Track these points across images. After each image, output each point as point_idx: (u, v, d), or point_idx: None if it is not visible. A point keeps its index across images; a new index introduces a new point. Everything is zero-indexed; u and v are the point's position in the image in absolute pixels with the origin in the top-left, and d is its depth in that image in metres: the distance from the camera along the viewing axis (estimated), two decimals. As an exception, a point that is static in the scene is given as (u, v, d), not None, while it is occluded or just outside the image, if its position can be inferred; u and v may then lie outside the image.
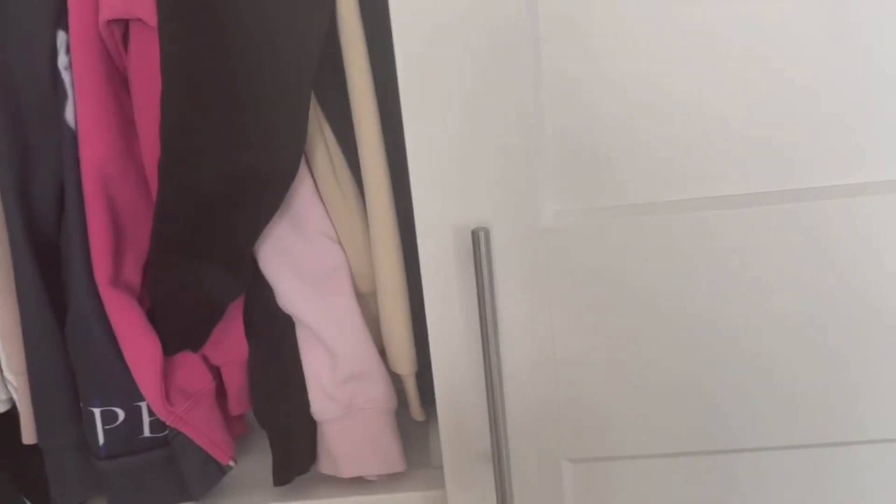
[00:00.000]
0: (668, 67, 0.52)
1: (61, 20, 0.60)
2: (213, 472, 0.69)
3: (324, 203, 0.66)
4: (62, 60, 0.61)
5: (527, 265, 0.56)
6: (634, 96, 0.53)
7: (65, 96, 0.61)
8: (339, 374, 0.67)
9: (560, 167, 0.55)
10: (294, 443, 0.69)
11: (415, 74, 0.53)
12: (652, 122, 0.53)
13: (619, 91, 0.53)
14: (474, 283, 0.56)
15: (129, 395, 0.65)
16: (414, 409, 0.71)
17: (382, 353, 0.69)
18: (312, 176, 0.66)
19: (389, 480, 0.71)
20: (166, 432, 0.67)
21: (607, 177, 0.55)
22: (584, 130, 0.54)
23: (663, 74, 0.53)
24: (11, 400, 0.69)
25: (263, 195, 0.62)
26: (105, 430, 0.65)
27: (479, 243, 0.52)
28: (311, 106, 0.63)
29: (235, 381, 0.71)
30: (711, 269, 0.55)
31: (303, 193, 0.65)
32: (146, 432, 0.67)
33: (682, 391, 0.58)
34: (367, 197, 0.64)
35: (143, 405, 0.66)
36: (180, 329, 0.67)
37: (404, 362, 0.68)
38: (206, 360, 0.70)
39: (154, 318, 0.66)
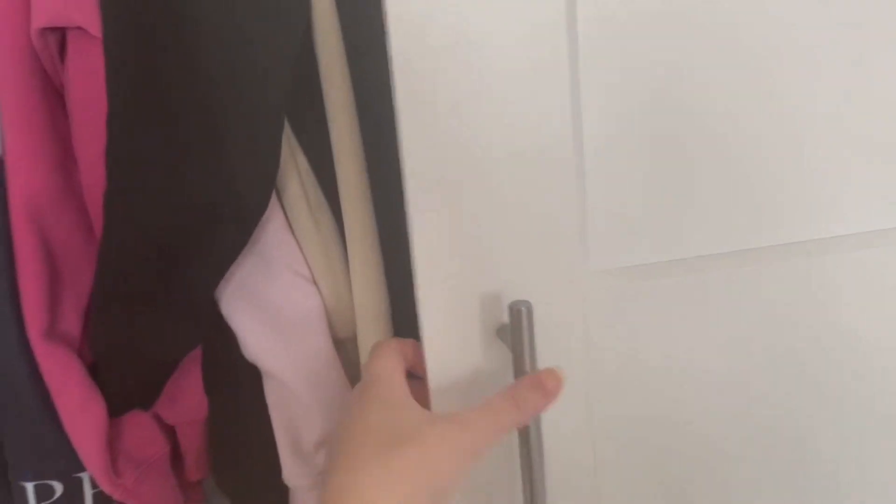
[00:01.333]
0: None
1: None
2: (168, 549, 0.64)
3: (296, 239, 0.60)
4: (-15, 75, 0.56)
5: (564, 340, 0.50)
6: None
7: (-12, 118, 0.56)
8: (313, 433, 0.61)
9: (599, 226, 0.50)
10: (262, 512, 0.64)
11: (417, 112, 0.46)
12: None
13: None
14: (501, 362, 0.49)
15: (68, 465, 0.60)
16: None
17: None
18: (283, 209, 0.59)
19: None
20: (113, 507, 0.61)
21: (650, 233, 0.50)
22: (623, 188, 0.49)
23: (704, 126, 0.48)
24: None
25: (226, 233, 0.56)
26: (40, 509, 0.60)
27: (520, 318, 0.45)
28: (284, 132, 0.57)
29: (193, 442, 0.66)
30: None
31: (272, 229, 0.59)
32: (89, 508, 0.61)
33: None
34: (348, 231, 0.58)
35: (85, 476, 0.61)
36: (128, 386, 0.61)
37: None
38: (158, 419, 0.65)
39: (97, 373, 0.60)
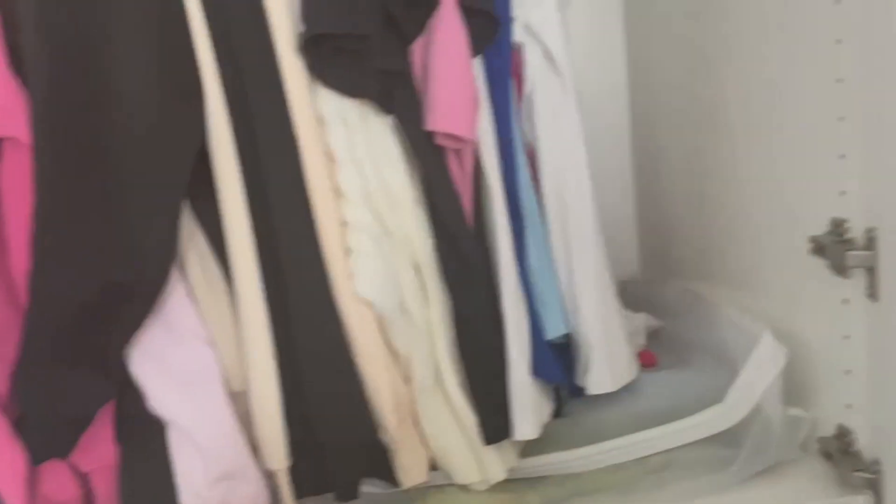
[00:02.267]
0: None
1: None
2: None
3: (196, 305, 0.69)
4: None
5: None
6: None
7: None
8: (210, 473, 0.69)
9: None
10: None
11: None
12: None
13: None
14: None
15: (-8, 509, 0.64)
16: (286, 504, 0.73)
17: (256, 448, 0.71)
18: (186, 278, 0.69)
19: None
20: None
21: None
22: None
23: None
24: None
25: (132, 308, 0.64)
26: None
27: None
28: (185, 214, 0.67)
29: (104, 487, 0.71)
30: None
31: (175, 297, 0.68)
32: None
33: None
34: (237, 299, 0.68)
35: (5, 518, 0.65)
36: (49, 437, 0.66)
37: (276, 457, 0.70)
38: (73, 467, 0.69)
39: (21, 427, 0.65)
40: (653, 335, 1.02)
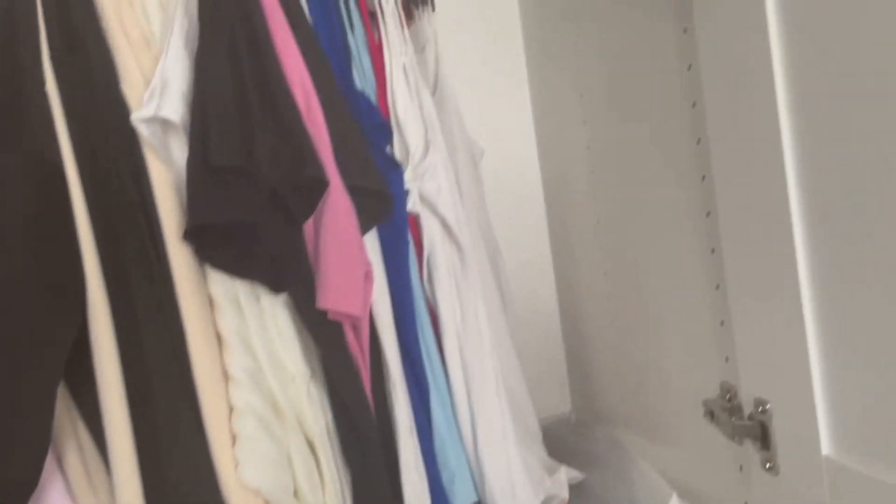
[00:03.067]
0: None
1: None
2: None
3: (76, 500, 0.67)
4: None
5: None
6: None
7: None
8: None
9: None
10: None
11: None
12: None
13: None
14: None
15: None
16: None
17: None
18: (64, 472, 0.67)
19: None
20: None
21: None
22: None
23: None
24: None
25: None
26: None
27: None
28: (65, 404, 0.65)
29: None
30: None
31: (53, 496, 0.66)
32: None
33: None
34: (117, 496, 0.65)
35: None
36: None
37: None
38: None
39: None
40: (574, 488, 1.00)
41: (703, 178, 0.71)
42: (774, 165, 0.55)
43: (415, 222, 0.82)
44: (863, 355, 0.52)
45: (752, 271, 0.64)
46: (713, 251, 0.70)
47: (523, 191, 1.24)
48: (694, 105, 0.71)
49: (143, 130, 0.67)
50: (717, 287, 0.70)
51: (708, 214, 0.70)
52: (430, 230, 0.81)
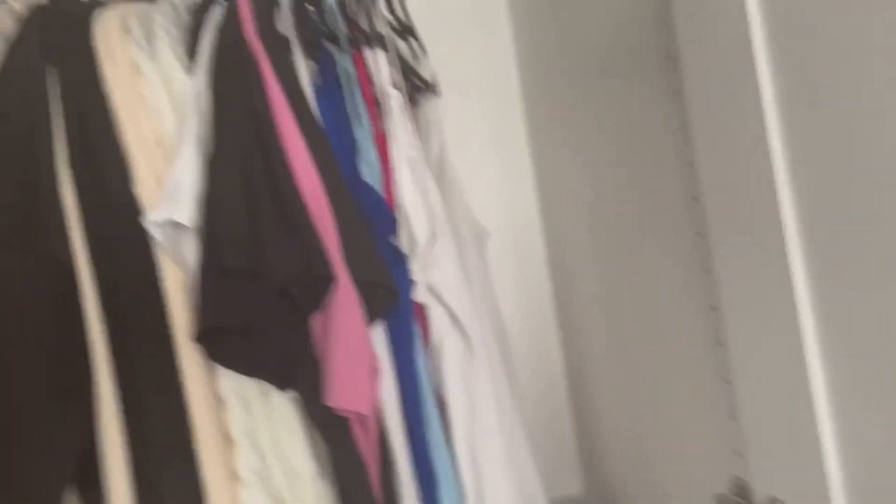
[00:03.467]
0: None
1: None
2: None
3: None
4: None
5: None
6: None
7: None
8: None
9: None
10: None
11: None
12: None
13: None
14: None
15: None
16: None
17: None
18: None
19: None
20: None
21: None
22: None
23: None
24: None
25: None
26: None
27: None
28: None
29: None
30: None
31: None
32: None
33: None
34: None
35: None
36: None
37: None
38: None
39: None
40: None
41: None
42: (774, 232, 0.56)
43: (422, 311, 0.83)
44: (885, 455, 0.51)
45: (761, 363, 0.64)
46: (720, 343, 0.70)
47: (526, 263, 1.25)
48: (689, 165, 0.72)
49: (156, 233, 0.68)
50: (729, 382, 0.70)
51: (714, 308, 0.71)
52: (438, 320, 0.81)
